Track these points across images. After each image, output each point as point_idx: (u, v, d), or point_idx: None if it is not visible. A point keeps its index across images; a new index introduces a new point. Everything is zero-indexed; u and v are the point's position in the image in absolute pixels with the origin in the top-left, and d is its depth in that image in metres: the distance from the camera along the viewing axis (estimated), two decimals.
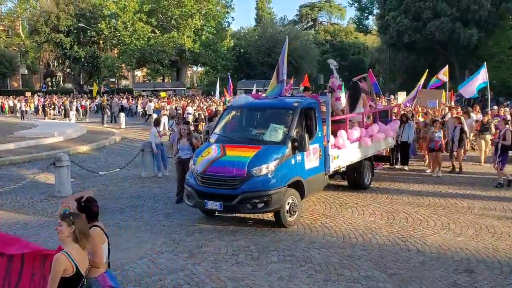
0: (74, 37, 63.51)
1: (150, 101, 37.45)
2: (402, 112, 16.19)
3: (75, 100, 43.74)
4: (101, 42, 65.67)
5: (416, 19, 41.10)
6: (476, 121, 16.64)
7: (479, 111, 18.73)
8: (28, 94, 53.80)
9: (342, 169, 10.95)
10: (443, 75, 20.22)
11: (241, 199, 8.16)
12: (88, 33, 62.49)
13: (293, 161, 8.74)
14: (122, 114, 32.31)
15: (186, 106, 30.13)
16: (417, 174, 13.75)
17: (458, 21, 39.29)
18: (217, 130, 9.83)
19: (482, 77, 18.30)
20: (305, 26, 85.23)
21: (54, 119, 36.40)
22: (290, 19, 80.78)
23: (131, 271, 6.82)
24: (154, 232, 8.59)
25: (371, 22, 65.30)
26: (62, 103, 41.12)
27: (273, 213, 8.71)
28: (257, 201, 8.19)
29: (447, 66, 20.64)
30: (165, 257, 7.31)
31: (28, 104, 40.63)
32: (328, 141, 9.76)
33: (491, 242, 7.82)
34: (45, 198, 11.28)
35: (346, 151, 10.51)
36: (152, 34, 56.94)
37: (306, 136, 8.72)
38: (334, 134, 10.21)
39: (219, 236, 8.24)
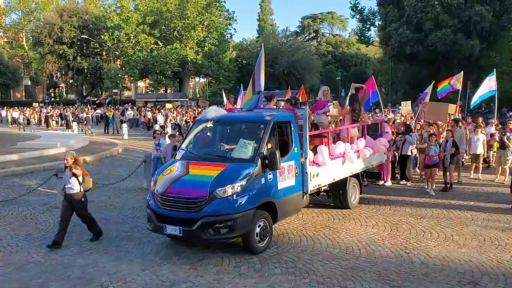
0: (77, 48, 64.07)
1: (155, 113, 37.65)
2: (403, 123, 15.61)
3: (79, 111, 43.93)
4: (104, 53, 66.24)
5: (417, 30, 41.33)
6: (492, 135, 15.75)
7: (498, 123, 17.89)
8: (35, 105, 54.08)
9: (324, 188, 10.16)
10: (456, 81, 18.62)
11: (202, 223, 7.33)
12: (91, 45, 63.03)
13: (263, 181, 7.91)
14: (125, 125, 32.41)
15: (194, 118, 30.07)
16: (420, 186, 13.69)
17: (459, 32, 39.48)
18: (184, 145, 9.04)
19: (489, 85, 17.84)
20: (307, 38, 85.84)
21: (57, 130, 36.50)
22: (292, 30, 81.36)
23: (133, 283, 6.78)
24: (156, 244, 8.56)
25: (373, 33, 65.73)
26: (66, 114, 41.28)
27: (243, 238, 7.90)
28: (220, 225, 7.37)
29: (462, 73, 19.07)
30: (167, 269, 7.28)
31: (32, 115, 40.79)
32: (305, 158, 8.94)
33: (495, 254, 7.77)
34: (47, 209, 11.26)
35: (328, 168, 9.65)
36: (155, 46, 57.32)
37: (277, 152, 7.89)
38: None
39: (221, 248, 8.19)
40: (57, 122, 42.10)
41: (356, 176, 11.11)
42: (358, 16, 62.02)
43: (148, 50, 56.19)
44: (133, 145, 25.79)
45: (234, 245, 8.34)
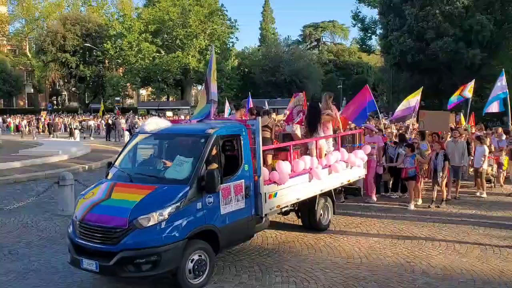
0: (80, 56, 64.44)
1: None
2: (398, 132, 14.90)
3: (82, 119, 44.20)
4: (106, 61, 66.54)
5: (419, 39, 41.38)
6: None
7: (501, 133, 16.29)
8: (43, 113, 54.20)
9: (285, 209, 9.09)
10: (468, 91, 17.74)
11: (120, 258, 6.19)
12: (94, 53, 63.34)
13: (199, 205, 6.68)
14: (127, 133, 32.51)
15: None
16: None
17: (461, 41, 39.53)
18: (117, 162, 7.85)
19: (501, 87, 16.98)
20: (308, 46, 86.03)
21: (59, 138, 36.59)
22: (294, 39, 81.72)
23: None
24: None
25: (374, 42, 65.87)
26: (70, 123, 41.43)
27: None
28: (141, 261, 6.22)
29: (473, 81, 18.04)
30: (168, 277, 7.25)
31: (35, 122, 40.88)
32: (259, 176, 7.67)
33: (497, 263, 7.74)
34: (49, 217, 11.26)
35: (288, 186, 8.36)
36: (157, 54, 57.61)
37: (216, 172, 6.70)
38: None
39: (222, 256, 8.12)
40: (60, 130, 42.26)
41: (328, 194, 9.85)
42: (359, 25, 62.22)
43: (150, 58, 56.48)
44: None
45: (234, 253, 8.32)
